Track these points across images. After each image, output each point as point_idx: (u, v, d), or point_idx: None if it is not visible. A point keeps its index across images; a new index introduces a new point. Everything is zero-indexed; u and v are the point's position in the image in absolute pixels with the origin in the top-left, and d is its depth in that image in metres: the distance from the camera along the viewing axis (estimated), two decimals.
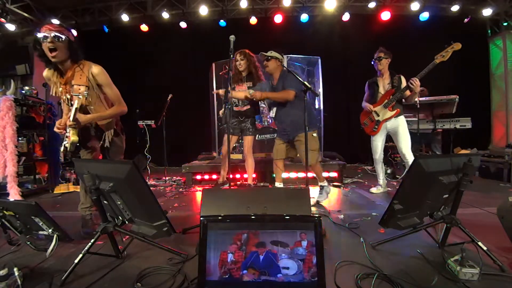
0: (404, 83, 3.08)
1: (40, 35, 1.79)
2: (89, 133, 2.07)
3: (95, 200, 1.49)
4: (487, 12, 5.22)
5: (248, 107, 3.30)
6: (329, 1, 5.31)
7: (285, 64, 3.34)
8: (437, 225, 1.66)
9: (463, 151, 4.60)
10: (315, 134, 2.83)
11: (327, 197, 2.95)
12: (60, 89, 1.93)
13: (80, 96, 1.81)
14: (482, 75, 5.77)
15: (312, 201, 2.84)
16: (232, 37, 2.31)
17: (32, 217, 1.51)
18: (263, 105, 4.09)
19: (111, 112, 2.04)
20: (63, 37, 1.82)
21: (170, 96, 4.23)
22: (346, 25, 5.66)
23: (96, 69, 1.96)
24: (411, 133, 3.22)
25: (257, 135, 4.38)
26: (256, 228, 1.14)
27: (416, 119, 3.75)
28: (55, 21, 2.18)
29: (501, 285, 1.30)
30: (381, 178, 3.40)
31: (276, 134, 3.22)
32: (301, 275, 1.08)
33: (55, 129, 1.91)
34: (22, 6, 5.22)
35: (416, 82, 2.87)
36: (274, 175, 3.10)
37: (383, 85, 3.21)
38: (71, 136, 1.85)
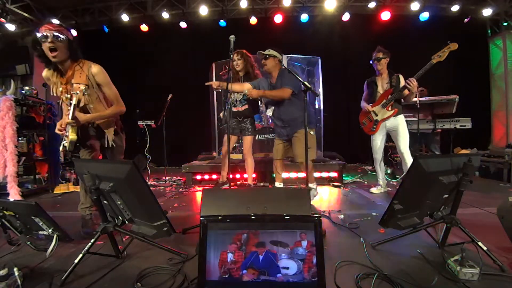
0: (402, 82, 3.08)
1: (39, 35, 1.78)
2: (88, 133, 2.07)
3: (95, 200, 1.49)
4: (487, 12, 5.22)
5: (246, 107, 3.30)
6: (329, 1, 5.31)
7: (285, 64, 3.33)
8: (437, 225, 1.66)
9: (463, 151, 4.60)
10: (312, 132, 2.83)
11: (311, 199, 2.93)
12: (61, 89, 1.93)
13: (77, 92, 1.81)
14: (482, 75, 5.76)
15: None
16: (232, 37, 2.31)
17: (32, 217, 1.51)
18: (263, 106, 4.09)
19: (110, 111, 2.05)
20: (63, 36, 1.82)
21: (170, 96, 4.23)
22: (346, 25, 5.66)
23: (95, 68, 1.96)
24: (411, 133, 3.22)
25: (257, 135, 4.38)
26: (256, 228, 1.14)
27: (416, 119, 3.75)
28: (55, 21, 2.16)
29: (501, 285, 1.30)
30: (381, 178, 3.40)
31: (274, 134, 3.22)
32: (301, 275, 1.08)
33: (57, 131, 1.90)
34: (22, 6, 5.22)
35: (413, 83, 2.87)
36: (274, 175, 3.10)
37: (382, 84, 3.22)
38: (70, 135, 1.84)
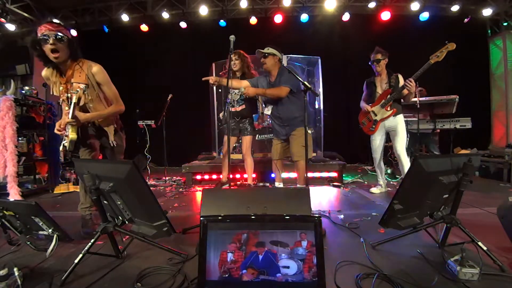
0: (401, 81, 3.08)
1: (39, 35, 1.77)
2: (87, 132, 2.07)
3: (95, 200, 1.49)
4: (487, 12, 5.22)
5: (243, 107, 3.30)
6: (329, 1, 5.31)
7: (285, 64, 3.33)
8: (437, 225, 1.66)
9: (463, 151, 4.61)
10: (310, 131, 2.82)
11: None
12: (61, 88, 1.93)
13: (78, 90, 1.80)
14: (482, 75, 5.76)
15: None
16: (232, 37, 2.31)
17: (32, 217, 1.51)
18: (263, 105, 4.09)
19: (109, 110, 2.05)
20: (64, 37, 1.81)
21: (170, 96, 4.23)
22: (346, 25, 5.66)
23: (95, 67, 1.96)
24: (411, 133, 3.22)
25: (257, 135, 4.38)
26: (256, 228, 1.14)
27: (416, 119, 3.75)
28: (54, 20, 2.14)
29: (501, 285, 1.30)
30: (381, 178, 3.40)
31: (272, 134, 3.20)
32: (301, 275, 1.08)
33: (56, 131, 1.90)
34: (22, 6, 5.22)
35: (412, 83, 2.88)
36: (273, 175, 3.10)
37: (381, 85, 3.22)
38: (70, 134, 1.84)
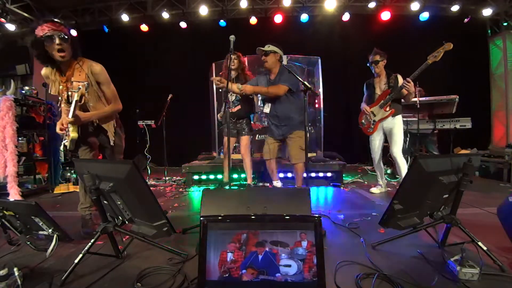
0: (400, 82, 3.08)
1: (42, 34, 1.75)
2: (87, 130, 2.07)
3: (95, 200, 1.49)
4: (487, 12, 5.22)
5: (239, 107, 3.31)
6: (329, 1, 5.31)
7: (285, 64, 3.33)
8: (437, 225, 1.66)
9: (463, 151, 4.60)
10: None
11: None
12: (61, 87, 1.93)
13: (80, 87, 1.79)
14: (482, 75, 5.76)
15: None
16: (232, 37, 2.31)
17: (32, 217, 1.51)
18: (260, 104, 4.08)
19: (109, 109, 2.06)
20: (67, 36, 1.82)
21: (170, 96, 4.23)
22: (346, 25, 5.66)
23: (97, 67, 1.97)
24: (411, 133, 3.22)
25: (257, 135, 4.37)
26: (256, 228, 1.14)
27: (416, 119, 3.75)
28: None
29: (501, 285, 1.30)
30: (381, 178, 3.40)
31: (267, 133, 3.18)
32: (301, 275, 1.08)
33: (58, 131, 1.90)
34: (22, 6, 5.22)
35: (410, 83, 2.88)
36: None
37: (380, 86, 3.23)
38: (71, 133, 1.84)
